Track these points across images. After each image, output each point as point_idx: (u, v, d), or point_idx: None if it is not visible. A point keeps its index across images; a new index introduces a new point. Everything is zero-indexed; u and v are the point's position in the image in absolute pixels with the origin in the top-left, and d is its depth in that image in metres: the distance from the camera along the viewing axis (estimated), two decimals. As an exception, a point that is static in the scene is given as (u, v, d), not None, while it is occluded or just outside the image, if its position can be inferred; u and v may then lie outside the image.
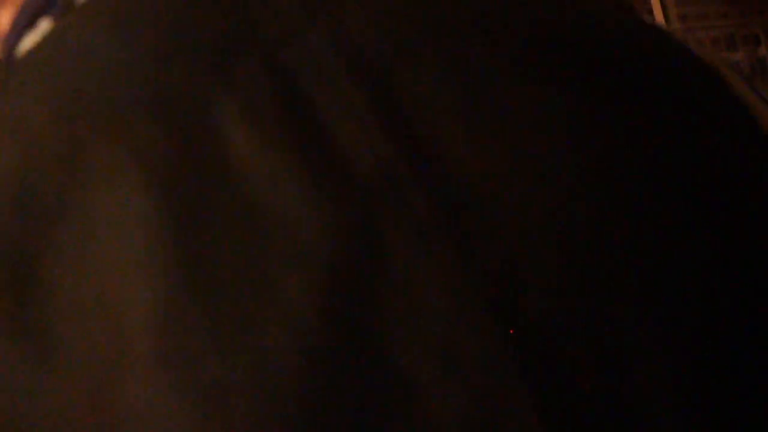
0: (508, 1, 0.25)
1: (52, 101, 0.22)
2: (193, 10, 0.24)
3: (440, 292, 0.19)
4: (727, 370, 0.20)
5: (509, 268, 0.20)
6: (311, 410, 0.18)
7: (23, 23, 0.30)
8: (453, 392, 0.18)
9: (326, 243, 0.20)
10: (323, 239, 0.20)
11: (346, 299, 0.19)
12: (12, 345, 0.19)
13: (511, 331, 0.19)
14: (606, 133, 0.22)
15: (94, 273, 0.20)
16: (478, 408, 0.18)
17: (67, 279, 0.20)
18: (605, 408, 0.19)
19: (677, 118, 0.23)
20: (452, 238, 0.20)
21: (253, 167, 0.20)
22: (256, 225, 0.20)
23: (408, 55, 0.23)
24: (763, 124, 0.25)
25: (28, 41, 0.30)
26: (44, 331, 0.19)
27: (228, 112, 0.21)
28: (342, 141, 0.21)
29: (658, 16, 2.49)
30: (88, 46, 0.24)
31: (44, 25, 0.29)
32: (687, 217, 0.21)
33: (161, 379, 0.18)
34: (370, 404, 0.18)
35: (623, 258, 0.20)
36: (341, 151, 0.21)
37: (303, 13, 0.23)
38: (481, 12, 0.24)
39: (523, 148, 0.21)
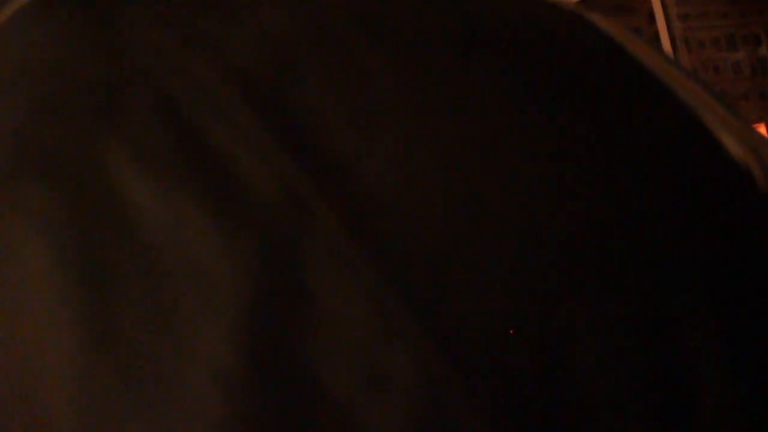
0: (397, 4, 0.24)
1: None
2: (67, 55, 0.23)
3: (363, 312, 0.19)
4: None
5: (429, 278, 0.19)
6: None
7: None
8: (390, 414, 0.18)
9: (238, 283, 0.19)
10: (234, 279, 0.19)
11: (267, 337, 0.19)
12: None
13: (437, 344, 0.19)
14: (517, 131, 0.22)
15: (6, 346, 0.20)
16: (419, 425, 0.18)
17: None
18: (551, 409, 0.19)
19: (581, 95, 0.23)
20: (367, 254, 0.19)
21: (153, 216, 0.20)
22: (163, 276, 0.19)
23: (296, 71, 0.22)
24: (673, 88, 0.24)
25: None
26: None
27: (120, 160, 0.20)
28: (240, 169, 0.20)
29: (659, 16, 2.49)
30: None
31: None
32: (619, 218, 0.21)
33: None
34: None
35: (544, 264, 0.20)
36: (241, 180, 0.20)
37: (184, 45, 0.22)
38: (370, 16, 0.24)
39: (428, 153, 0.21)
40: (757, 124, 2.45)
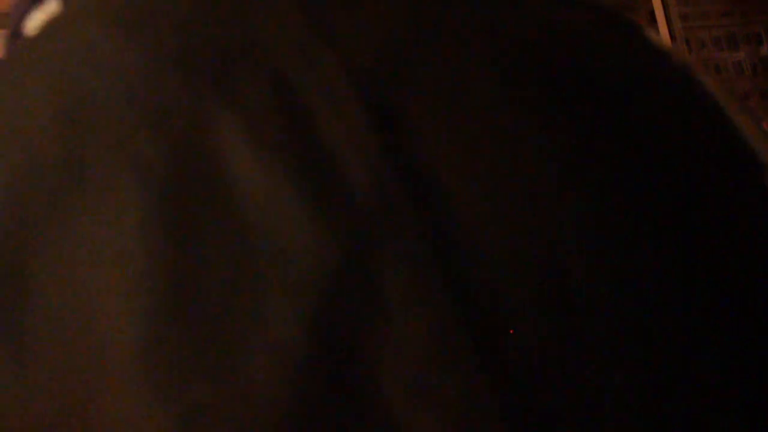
0: (507, 27, 0.24)
1: (54, 100, 0.21)
2: (194, 18, 0.23)
3: (428, 329, 0.19)
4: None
5: (496, 308, 0.19)
6: None
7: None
8: (431, 424, 0.18)
9: (319, 271, 0.19)
10: (316, 267, 0.19)
11: (334, 330, 0.19)
12: None
13: (494, 374, 0.19)
14: (603, 171, 0.22)
15: (81, 285, 0.19)
16: None
17: (52, 288, 0.19)
18: None
19: (675, 156, 0.23)
20: (443, 276, 0.20)
21: (250, 188, 0.20)
22: (249, 248, 0.19)
23: (409, 76, 0.22)
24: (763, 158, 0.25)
25: (35, 19, 0.29)
26: (22, 334, 0.19)
27: (229, 128, 0.20)
28: (342, 163, 0.20)
29: (659, 16, 2.49)
30: (90, 44, 0.23)
31: (52, 5, 0.29)
32: (683, 264, 0.21)
33: (144, 397, 0.18)
34: None
35: (612, 311, 0.20)
36: (341, 174, 0.20)
37: (311, 31, 0.22)
38: (483, 36, 0.24)
39: (522, 184, 0.21)
40: (758, 124, 2.45)
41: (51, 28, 0.25)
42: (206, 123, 0.21)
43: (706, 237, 0.22)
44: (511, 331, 0.19)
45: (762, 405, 0.20)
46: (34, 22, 0.29)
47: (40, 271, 0.19)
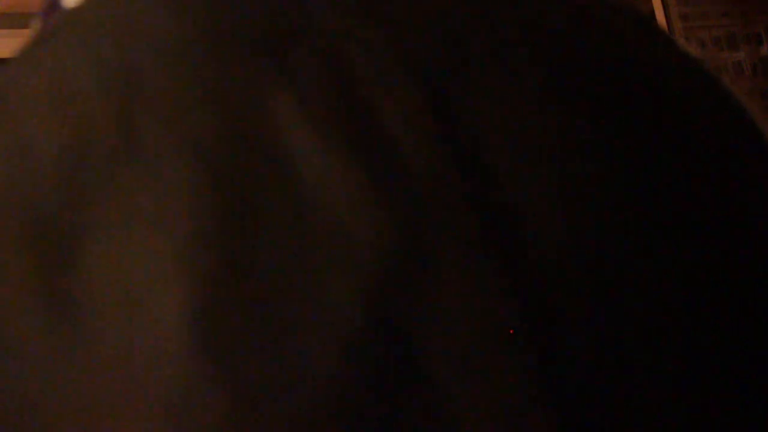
0: (556, 25, 0.24)
1: (102, 73, 0.21)
2: None
3: (482, 315, 0.19)
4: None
5: (548, 297, 0.19)
6: (347, 419, 0.18)
7: None
8: (484, 417, 0.18)
9: (376, 249, 0.19)
10: (373, 245, 0.19)
11: (390, 311, 0.18)
12: (42, 314, 0.18)
13: (543, 362, 0.19)
14: (650, 171, 0.22)
15: (132, 257, 0.19)
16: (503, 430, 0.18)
17: (105, 259, 0.19)
18: None
19: (715, 163, 0.23)
20: (499, 263, 0.19)
21: (308, 167, 0.19)
22: (306, 224, 0.19)
23: (462, 65, 0.22)
24: None
25: None
26: (76, 306, 0.19)
27: (285, 105, 0.20)
28: (400, 146, 0.20)
29: (659, 16, 2.49)
30: (138, 14, 0.23)
31: None
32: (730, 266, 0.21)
33: (198, 371, 0.18)
34: (404, 421, 0.18)
35: (663, 309, 0.20)
36: (398, 156, 0.20)
37: (362, 8, 0.22)
38: (531, 32, 0.23)
39: (571, 175, 0.21)
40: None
41: (96, 0, 0.24)
42: (261, 99, 0.20)
43: (750, 247, 0.22)
44: (562, 316, 0.19)
45: None
46: None
47: (90, 240, 0.19)
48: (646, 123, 0.22)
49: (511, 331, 0.19)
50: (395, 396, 0.18)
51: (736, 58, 2.51)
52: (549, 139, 0.21)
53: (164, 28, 0.21)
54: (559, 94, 0.22)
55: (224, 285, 0.18)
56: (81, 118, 0.20)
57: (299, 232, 0.19)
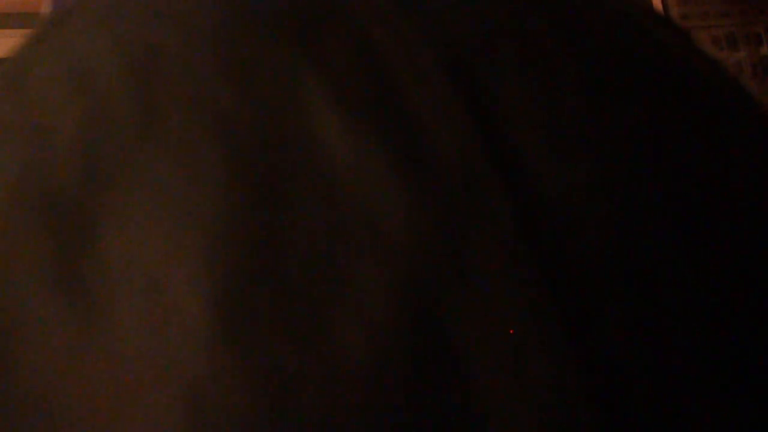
0: (586, 18, 0.24)
1: (123, 53, 0.21)
2: None
3: (519, 308, 0.19)
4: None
5: (587, 293, 0.19)
6: (378, 412, 0.17)
7: None
8: (519, 413, 0.18)
9: (407, 238, 0.19)
10: (405, 234, 0.19)
11: (423, 301, 0.18)
12: (59, 299, 0.18)
13: (585, 362, 0.18)
14: (687, 164, 0.22)
15: (156, 242, 0.19)
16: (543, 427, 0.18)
17: (124, 243, 0.19)
18: None
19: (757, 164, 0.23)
20: (534, 254, 0.19)
21: (338, 152, 0.19)
22: (336, 211, 0.19)
23: (494, 55, 0.22)
24: None
25: None
26: (95, 292, 0.18)
27: (316, 91, 0.20)
28: (431, 134, 0.20)
29: (659, 16, 2.49)
30: None
31: None
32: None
33: (222, 361, 0.18)
34: (437, 415, 0.18)
35: (701, 316, 0.20)
36: (430, 145, 0.20)
37: (396, 1, 0.22)
38: (562, 27, 0.23)
39: (606, 168, 0.21)
40: (758, 125, 2.46)
41: None
42: (291, 82, 0.20)
43: None
44: (603, 319, 0.18)
45: None
46: None
47: (109, 222, 0.19)
48: (683, 117, 0.22)
49: (551, 330, 0.18)
50: (430, 389, 0.17)
51: (736, 58, 2.50)
52: (583, 130, 0.21)
53: (190, 8, 0.21)
54: (595, 85, 0.22)
55: (250, 273, 0.18)
56: (100, 98, 0.20)
57: (329, 220, 0.18)
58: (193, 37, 0.21)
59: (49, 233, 0.19)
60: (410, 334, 0.18)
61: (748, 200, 0.22)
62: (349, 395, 0.17)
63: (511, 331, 0.18)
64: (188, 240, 0.19)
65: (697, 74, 0.25)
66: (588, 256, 0.20)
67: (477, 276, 0.19)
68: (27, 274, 0.19)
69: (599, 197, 0.20)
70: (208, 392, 0.17)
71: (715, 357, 0.19)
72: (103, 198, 0.20)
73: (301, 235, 0.19)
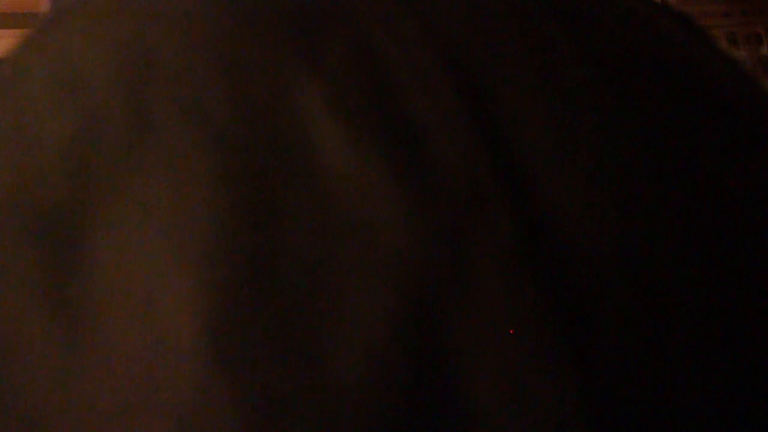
0: (594, 22, 0.23)
1: (117, 57, 0.20)
2: None
3: (519, 327, 0.18)
4: None
5: (588, 309, 0.18)
6: None
7: None
8: (514, 419, 0.17)
9: (406, 254, 0.18)
10: (403, 250, 0.18)
11: (421, 321, 0.18)
12: (46, 318, 0.18)
13: (584, 378, 0.18)
14: (695, 173, 0.21)
15: (143, 256, 0.18)
16: None
17: (114, 260, 0.18)
18: None
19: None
20: (535, 270, 0.18)
21: (336, 160, 0.19)
22: (332, 225, 0.18)
23: (499, 60, 0.21)
24: None
25: None
26: (82, 310, 0.18)
27: (312, 96, 0.19)
28: (432, 142, 0.19)
29: (659, 16, 2.48)
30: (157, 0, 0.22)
31: None
32: None
33: (212, 384, 0.17)
34: None
35: (705, 327, 0.19)
36: (430, 150, 0.19)
37: (397, 4, 0.21)
38: (571, 27, 0.23)
39: (613, 178, 0.20)
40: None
41: None
42: (287, 87, 0.19)
43: None
44: (604, 336, 0.18)
45: None
46: None
47: (99, 238, 0.18)
48: (695, 123, 0.21)
49: (553, 348, 0.18)
50: (427, 411, 0.17)
51: (737, 58, 2.50)
52: (589, 138, 0.20)
53: (185, 9, 0.21)
54: (601, 88, 0.21)
55: (243, 291, 0.17)
56: (91, 105, 0.19)
57: (324, 234, 0.18)
58: (189, 41, 0.21)
59: (38, 248, 0.19)
60: (407, 360, 0.17)
61: (761, 210, 0.21)
62: (345, 421, 0.17)
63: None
64: (179, 258, 0.18)
65: (713, 77, 0.24)
66: (588, 262, 0.19)
67: (478, 294, 0.18)
68: (15, 292, 0.19)
69: (600, 204, 0.20)
70: (199, 418, 0.17)
71: (714, 376, 0.19)
72: (92, 211, 0.19)
73: (294, 251, 0.18)
